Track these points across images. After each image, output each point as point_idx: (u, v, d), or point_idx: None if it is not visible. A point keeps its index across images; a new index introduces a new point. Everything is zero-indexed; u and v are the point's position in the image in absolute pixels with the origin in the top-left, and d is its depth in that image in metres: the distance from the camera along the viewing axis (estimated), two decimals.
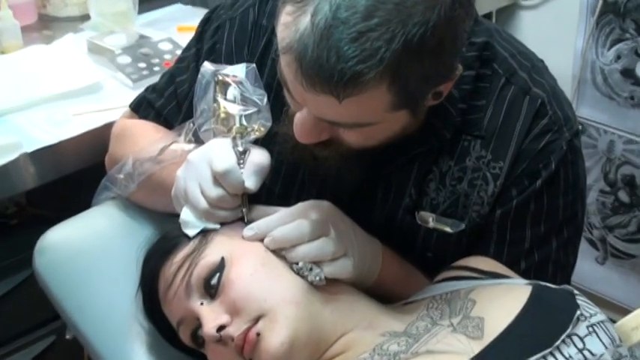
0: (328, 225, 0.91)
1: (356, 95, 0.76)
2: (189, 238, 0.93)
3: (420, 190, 0.98)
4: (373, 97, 0.77)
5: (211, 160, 0.90)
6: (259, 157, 0.92)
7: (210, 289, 0.88)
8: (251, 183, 0.91)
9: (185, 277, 0.90)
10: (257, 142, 0.95)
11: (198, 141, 0.98)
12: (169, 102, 1.11)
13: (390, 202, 1.00)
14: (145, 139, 1.06)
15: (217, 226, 0.93)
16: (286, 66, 0.79)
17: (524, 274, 0.97)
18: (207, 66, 0.97)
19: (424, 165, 0.98)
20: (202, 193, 0.91)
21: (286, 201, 0.98)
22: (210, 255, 0.90)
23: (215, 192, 0.90)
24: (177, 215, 0.94)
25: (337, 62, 0.74)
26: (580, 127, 1.30)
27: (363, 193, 1.00)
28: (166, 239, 0.95)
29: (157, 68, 1.54)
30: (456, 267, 0.98)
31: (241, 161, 0.91)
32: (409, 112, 0.85)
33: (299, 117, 0.85)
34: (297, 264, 0.90)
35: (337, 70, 0.74)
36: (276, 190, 1.03)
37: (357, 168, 0.95)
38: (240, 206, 0.93)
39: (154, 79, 1.19)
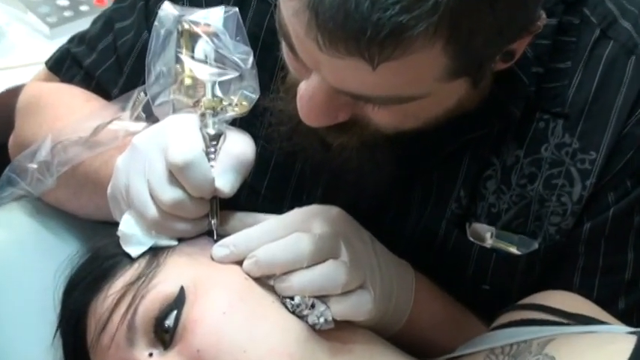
0: (339, 242, 0.91)
1: (397, 58, 0.74)
2: (131, 259, 0.93)
3: (474, 193, 0.99)
4: (422, 61, 0.76)
5: (167, 146, 0.90)
6: (239, 144, 0.92)
7: (164, 333, 0.88)
8: (225, 182, 0.91)
9: (127, 316, 0.89)
10: (235, 123, 0.95)
11: (151, 118, 0.98)
12: (105, 59, 1.11)
13: (429, 209, 1.00)
14: (71, 113, 1.06)
15: (174, 243, 0.93)
16: (293, 15, 0.78)
17: (624, 318, 0.97)
18: (167, 9, 0.96)
19: (480, 156, 0.98)
20: (152, 194, 0.91)
21: (278, 206, 0.99)
22: (164, 284, 0.90)
23: (171, 194, 0.90)
24: (115, 224, 0.94)
25: (371, 10, 0.72)
26: None
27: (390, 196, 1.00)
28: (98, 260, 0.95)
29: (85, 8, 1.55)
30: (525, 306, 0.98)
31: (212, 150, 0.92)
32: (469, 80, 0.84)
33: (307, 88, 0.84)
34: (293, 299, 0.90)
35: (371, 21, 0.72)
36: (263, 189, 1.04)
37: (386, 161, 0.94)
38: (209, 215, 0.93)
39: (83, 25, 1.19)
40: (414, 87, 0.80)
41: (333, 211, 0.94)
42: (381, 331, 0.96)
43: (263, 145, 0.98)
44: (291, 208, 0.94)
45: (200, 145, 0.91)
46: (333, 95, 0.83)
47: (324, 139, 0.93)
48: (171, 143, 0.90)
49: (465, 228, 1.00)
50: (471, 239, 1.00)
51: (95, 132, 1.01)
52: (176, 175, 0.90)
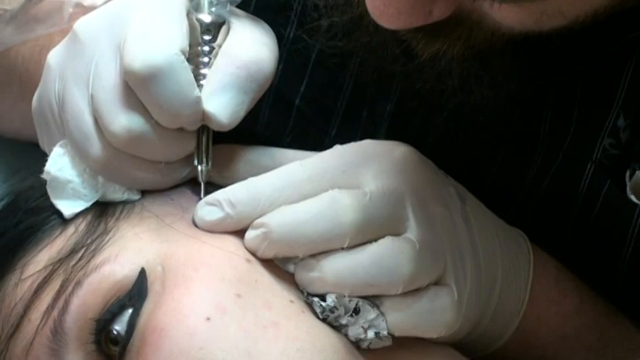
0: (404, 206, 0.82)
1: None
2: (63, 220, 0.85)
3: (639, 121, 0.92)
4: None
5: (126, 39, 0.81)
6: (249, 43, 0.85)
7: (110, 344, 0.80)
8: (220, 105, 0.82)
9: (52, 314, 0.81)
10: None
11: None
12: None
13: (565, 147, 0.93)
14: None
15: (134, 197, 0.86)
16: None
17: None
18: None
19: None
20: (98, 118, 0.82)
21: (321, 129, 0.95)
22: (114, 263, 0.81)
23: (125, 121, 0.81)
24: (42, 156, 0.87)
25: None
26: None
27: (505, 128, 0.94)
28: (15, 214, 0.88)
29: None
30: None
31: (205, 48, 0.84)
32: None
33: None
34: (325, 299, 0.81)
35: None
36: (297, 99, 0.97)
37: (504, 76, 0.87)
38: (194, 155, 0.85)
39: None
40: None
41: (400, 150, 0.85)
42: (472, 349, 0.89)
43: (301, 49, 0.93)
44: (343, 131, 0.91)
45: (180, 41, 0.81)
46: None
47: (405, 45, 0.83)
48: (131, 36, 0.81)
49: (623, 178, 0.91)
50: (633, 198, 0.90)
51: (27, 4, 0.99)
52: (136, 89, 0.80)
